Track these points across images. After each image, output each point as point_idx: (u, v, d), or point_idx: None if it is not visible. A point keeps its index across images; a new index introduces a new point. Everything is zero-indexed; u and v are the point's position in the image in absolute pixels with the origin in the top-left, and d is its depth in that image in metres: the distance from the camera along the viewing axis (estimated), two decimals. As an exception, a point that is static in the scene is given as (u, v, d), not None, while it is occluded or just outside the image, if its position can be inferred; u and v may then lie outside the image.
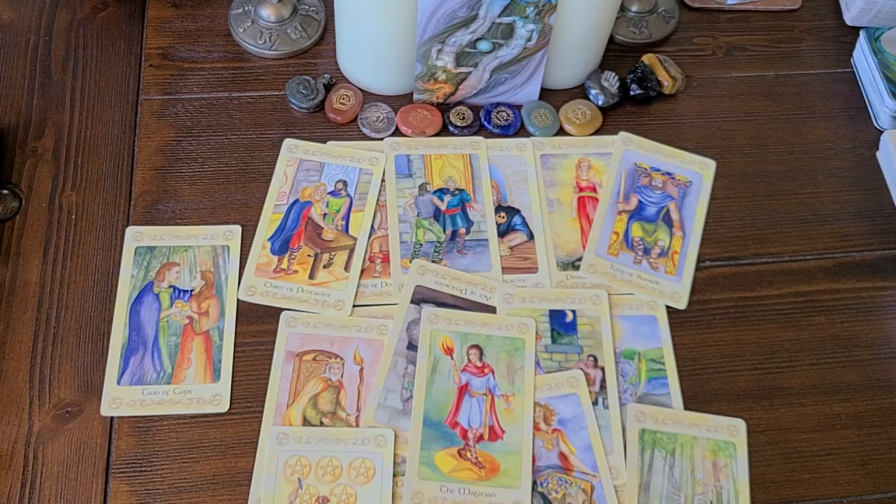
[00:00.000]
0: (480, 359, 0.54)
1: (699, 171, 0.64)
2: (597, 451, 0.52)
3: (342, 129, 0.64)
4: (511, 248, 0.60)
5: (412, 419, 0.51)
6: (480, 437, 0.52)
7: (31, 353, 0.54)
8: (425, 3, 0.57)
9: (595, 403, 0.54)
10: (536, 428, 0.53)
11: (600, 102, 0.66)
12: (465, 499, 0.50)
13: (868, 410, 0.56)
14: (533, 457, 0.52)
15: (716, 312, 0.59)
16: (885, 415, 0.56)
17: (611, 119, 0.67)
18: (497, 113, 0.65)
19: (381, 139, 0.64)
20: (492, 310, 0.57)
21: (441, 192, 0.62)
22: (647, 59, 0.68)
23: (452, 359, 0.54)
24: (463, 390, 0.53)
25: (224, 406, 0.53)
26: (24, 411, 0.52)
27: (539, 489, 0.51)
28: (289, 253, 0.58)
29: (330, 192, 0.61)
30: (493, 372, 0.54)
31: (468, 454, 0.51)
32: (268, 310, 0.56)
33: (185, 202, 0.60)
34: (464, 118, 0.65)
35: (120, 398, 0.53)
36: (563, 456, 0.52)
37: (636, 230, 0.61)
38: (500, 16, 0.58)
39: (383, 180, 0.62)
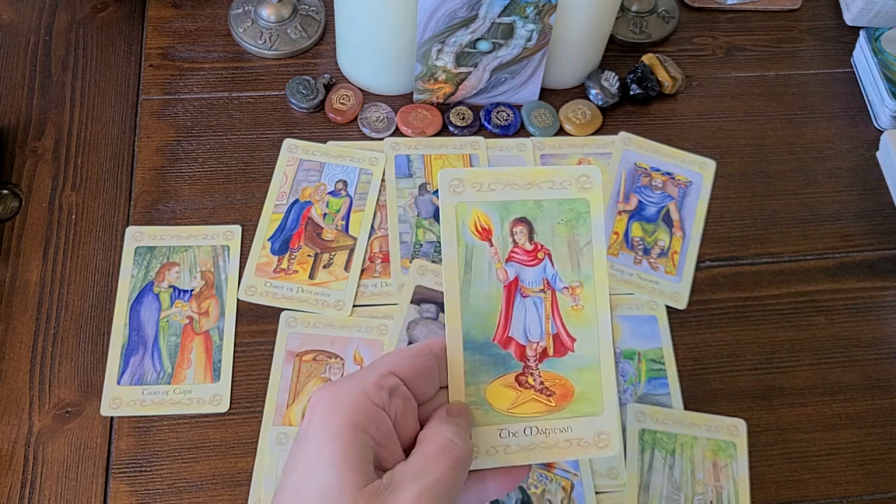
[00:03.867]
0: (531, 238, 0.39)
1: (699, 171, 0.64)
2: None
3: (342, 129, 0.64)
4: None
5: (448, 344, 0.37)
6: (544, 353, 0.38)
7: (31, 353, 0.54)
8: (425, 4, 0.57)
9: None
10: None
11: (600, 102, 0.66)
12: (534, 440, 0.37)
13: (868, 410, 0.56)
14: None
15: (716, 312, 0.59)
16: (885, 415, 0.56)
17: (611, 119, 0.67)
18: (497, 113, 0.65)
19: (381, 139, 0.64)
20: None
21: (441, 192, 0.62)
22: (647, 59, 0.68)
23: (492, 244, 0.38)
24: (512, 289, 0.38)
25: (224, 406, 0.53)
26: (24, 411, 0.52)
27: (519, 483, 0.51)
28: (289, 253, 0.58)
29: (330, 192, 0.61)
30: (549, 256, 0.39)
31: (530, 379, 0.38)
32: (268, 310, 0.56)
33: (185, 202, 0.60)
34: (464, 118, 0.65)
35: (120, 398, 0.53)
36: None
37: (636, 230, 0.61)
38: (499, 16, 0.58)
39: (383, 180, 0.62)
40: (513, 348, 0.38)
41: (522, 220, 0.38)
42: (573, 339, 0.38)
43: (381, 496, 0.30)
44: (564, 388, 0.38)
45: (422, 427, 0.35)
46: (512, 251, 0.38)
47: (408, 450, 0.34)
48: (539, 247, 0.38)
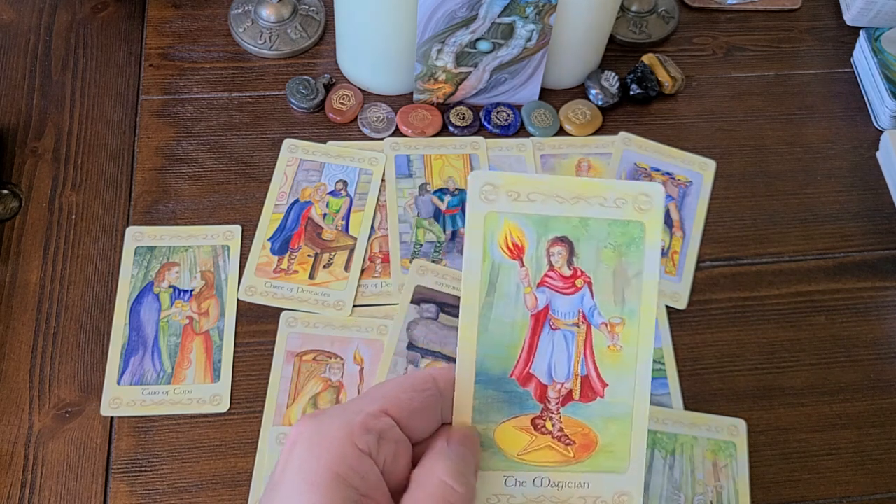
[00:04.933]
0: (570, 262, 0.33)
1: (699, 171, 0.64)
2: None
3: (342, 129, 0.64)
4: (511, 247, 0.59)
5: (458, 374, 0.32)
6: (568, 396, 0.33)
7: (31, 353, 0.54)
8: (425, 4, 0.57)
9: (595, 403, 0.54)
10: None
11: (600, 102, 0.66)
12: (544, 493, 0.32)
13: (868, 410, 0.56)
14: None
15: (716, 312, 0.59)
16: (885, 415, 0.56)
17: (611, 119, 0.67)
18: (497, 113, 0.65)
19: (381, 139, 0.64)
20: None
21: (441, 192, 0.62)
22: (647, 59, 0.68)
23: (523, 265, 0.33)
24: (540, 319, 0.33)
25: (224, 406, 0.53)
26: (23, 411, 0.52)
27: None
28: (289, 253, 0.58)
29: (330, 192, 0.61)
30: (589, 284, 0.33)
31: (548, 424, 0.33)
32: (268, 310, 0.56)
33: (185, 202, 0.60)
34: (464, 118, 0.65)
35: (120, 398, 0.53)
36: None
37: (636, 230, 0.61)
38: (499, 16, 0.58)
39: (383, 180, 0.62)
40: (533, 387, 0.33)
41: (562, 240, 0.32)
42: (604, 385, 0.33)
43: None
44: (587, 439, 0.33)
45: (416, 465, 0.30)
46: (546, 275, 0.33)
47: (399, 493, 0.30)
48: (579, 273, 0.33)
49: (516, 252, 0.32)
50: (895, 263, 0.62)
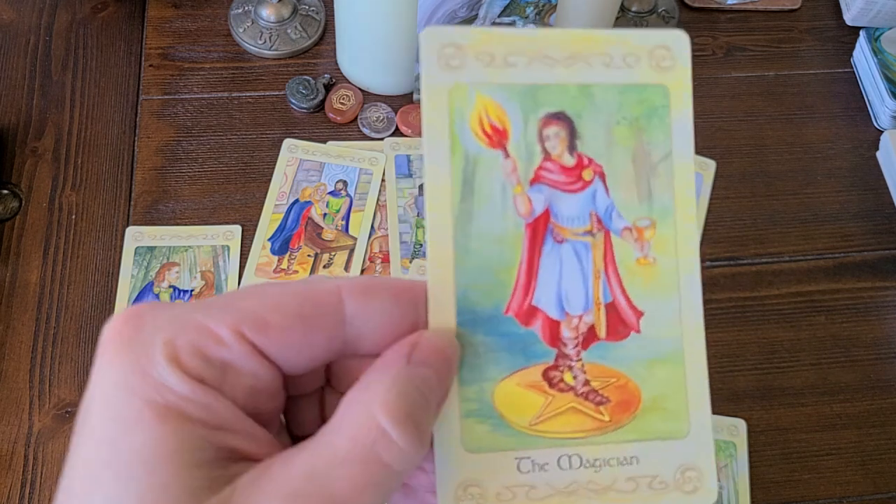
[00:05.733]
0: (573, 147, 0.24)
1: (699, 170, 0.64)
2: None
3: (342, 129, 0.64)
4: (511, 247, 0.59)
5: (431, 318, 0.23)
6: (591, 335, 0.24)
7: (31, 353, 0.54)
8: (425, 4, 0.57)
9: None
10: None
11: (600, 102, 0.66)
12: (576, 477, 0.23)
13: (868, 410, 0.56)
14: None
15: (715, 312, 0.59)
16: (885, 415, 0.56)
17: (611, 119, 0.66)
18: (497, 113, 0.65)
19: (381, 139, 0.64)
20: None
21: (441, 192, 0.61)
22: (647, 59, 0.68)
23: (508, 155, 0.24)
24: (539, 230, 0.24)
25: (224, 406, 0.53)
26: (24, 411, 0.52)
27: None
28: (289, 253, 0.58)
29: (330, 192, 0.61)
30: (601, 175, 0.24)
31: (568, 376, 0.24)
32: (268, 310, 0.56)
33: (185, 202, 0.60)
34: (464, 118, 0.65)
35: (120, 398, 0.53)
36: None
37: (636, 230, 0.61)
38: (499, 16, 0.58)
39: (383, 180, 0.62)
40: (539, 325, 0.23)
41: (559, 117, 0.24)
42: (639, 314, 0.24)
43: None
44: (625, 393, 0.24)
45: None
46: (541, 167, 0.24)
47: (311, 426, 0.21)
48: (585, 161, 0.24)
49: (497, 138, 0.23)
50: (895, 263, 0.62)
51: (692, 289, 0.24)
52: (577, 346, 0.23)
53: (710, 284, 0.60)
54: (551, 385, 0.23)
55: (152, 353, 0.19)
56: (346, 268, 0.58)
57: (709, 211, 0.63)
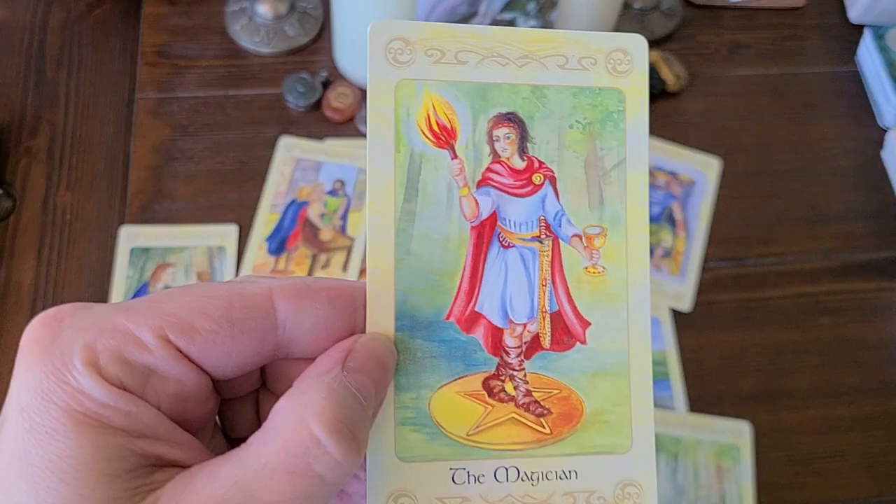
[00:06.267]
0: (523, 149, 0.24)
1: (703, 169, 0.63)
2: None
3: (340, 127, 0.64)
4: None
5: (369, 321, 0.22)
6: (535, 344, 0.24)
7: (24, 355, 0.53)
8: (424, 0, 0.56)
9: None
10: None
11: (602, 100, 0.66)
12: (511, 491, 0.23)
13: (873, 413, 0.55)
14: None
15: (720, 314, 0.58)
16: (890, 417, 0.55)
17: (613, 117, 0.66)
18: (497, 111, 0.64)
19: (380, 138, 0.63)
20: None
21: (440, 191, 0.61)
22: (651, 56, 0.68)
23: (456, 156, 0.23)
24: (485, 234, 0.23)
25: (220, 409, 0.52)
26: (16, 414, 0.51)
27: None
28: (286, 253, 0.58)
29: (327, 192, 0.60)
30: (552, 180, 0.24)
31: (509, 386, 0.23)
32: (265, 311, 0.55)
33: (181, 202, 0.60)
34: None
35: (114, 401, 0.52)
36: None
37: (638, 230, 0.60)
38: (500, 12, 0.58)
39: (382, 179, 0.61)
40: (481, 332, 0.23)
41: (510, 119, 0.23)
42: (586, 324, 0.23)
43: None
44: (567, 405, 0.23)
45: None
46: (490, 169, 0.23)
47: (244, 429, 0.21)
48: (536, 164, 0.23)
49: (445, 137, 0.23)
50: (901, 264, 0.61)
51: (641, 301, 0.24)
52: (519, 355, 0.23)
53: (714, 285, 0.59)
54: (491, 395, 0.23)
55: (70, 358, 0.18)
56: (345, 269, 0.57)
57: (713, 210, 0.62)
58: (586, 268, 0.24)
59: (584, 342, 0.24)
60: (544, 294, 0.23)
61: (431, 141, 0.23)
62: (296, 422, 0.18)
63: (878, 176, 0.65)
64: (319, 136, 0.63)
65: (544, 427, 0.23)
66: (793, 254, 0.61)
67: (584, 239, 0.24)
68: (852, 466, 0.54)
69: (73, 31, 0.67)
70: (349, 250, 0.58)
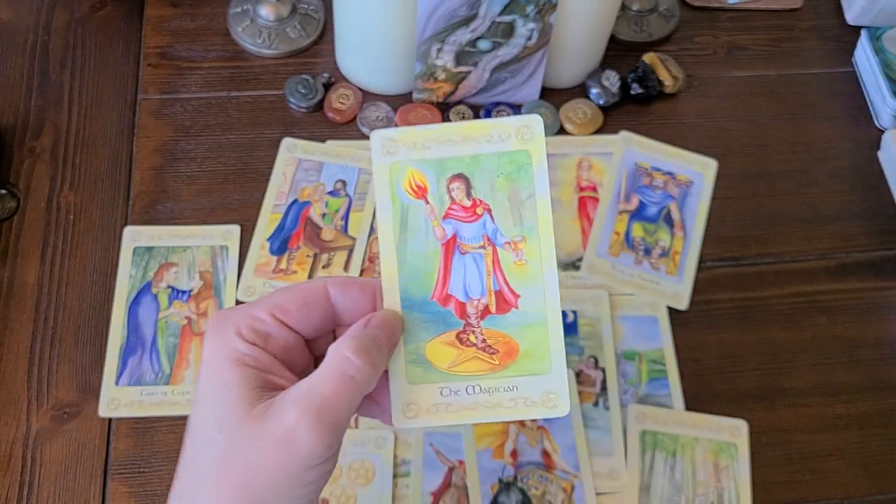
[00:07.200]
0: (469, 194, 0.37)
1: (700, 170, 0.64)
2: (580, 451, 0.52)
3: (341, 128, 0.64)
4: (511, 247, 0.59)
5: (385, 302, 0.36)
6: (486, 311, 0.37)
7: (29, 353, 0.54)
8: (425, 2, 0.57)
9: (595, 405, 0.54)
10: (521, 424, 0.52)
11: (601, 102, 0.66)
12: (477, 399, 0.36)
13: (870, 411, 0.56)
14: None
15: (717, 313, 0.59)
16: (887, 415, 0.56)
17: (611, 118, 0.66)
18: (497, 112, 0.65)
19: (381, 139, 0.64)
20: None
21: (441, 191, 0.62)
22: (648, 58, 0.68)
23: (428, 202, 0.37)
24: (450, 247, 0.37)
25: (223, 407, 0.53)
26: (22, 412, 0.52)
27: (519, 485, 0.51)
28: (288, 253, 0.58)
29: (329, 192, 0.61)
30: (489, 211, 0.37)
31: (472, 337, 0.37)
32: (267, 310, 0.56)
33: (184, 202, 0.60)
34: (464, 117, 0.64)
35: (118, 399, 0.52)
36: (545, 453, 0.52)
37: (637, 230, 0.61)
38: (500, 14, 0.58)
39: (383, 180, 0.62)
40: (452, 305, 0.37)
41: (459, 177, 0.37)
42: (517, 296, 0.37)
43: (266, 417, 0.31)
44: (508, 346, 0.37)
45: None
46: (449, 208, 0.37)
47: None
48: (478, 202, 0.37)
49: (420, 192, 0.37)
50: (897, 263, 0.62)
51: (551, 279, 0.37)
52: (477, 318, 0.37)
53: (711, 285, 0.60)
54: (461, 343, 0.37)
55: (229, 331, 0.34)
56: (346, 268, 0.57)
57: (710, 211, 0.62)
58: (515, 262, 0.37)
59: (517, 308, 0.37)
60: (490, 280, 0.37)
61: (413, 195, 0.37)
62: (339, 352, 0.33)
63: (874, 176, 0.66)
64: (321, 137, 0.63)
65: (495, 360, 0.36)
66: (790, 253, 0.62)
67: (511, 244, 0.37)
68: (849, 465, 0.54)
69: (77, 32, 0.68)
70: (350, 250, 0.58)
